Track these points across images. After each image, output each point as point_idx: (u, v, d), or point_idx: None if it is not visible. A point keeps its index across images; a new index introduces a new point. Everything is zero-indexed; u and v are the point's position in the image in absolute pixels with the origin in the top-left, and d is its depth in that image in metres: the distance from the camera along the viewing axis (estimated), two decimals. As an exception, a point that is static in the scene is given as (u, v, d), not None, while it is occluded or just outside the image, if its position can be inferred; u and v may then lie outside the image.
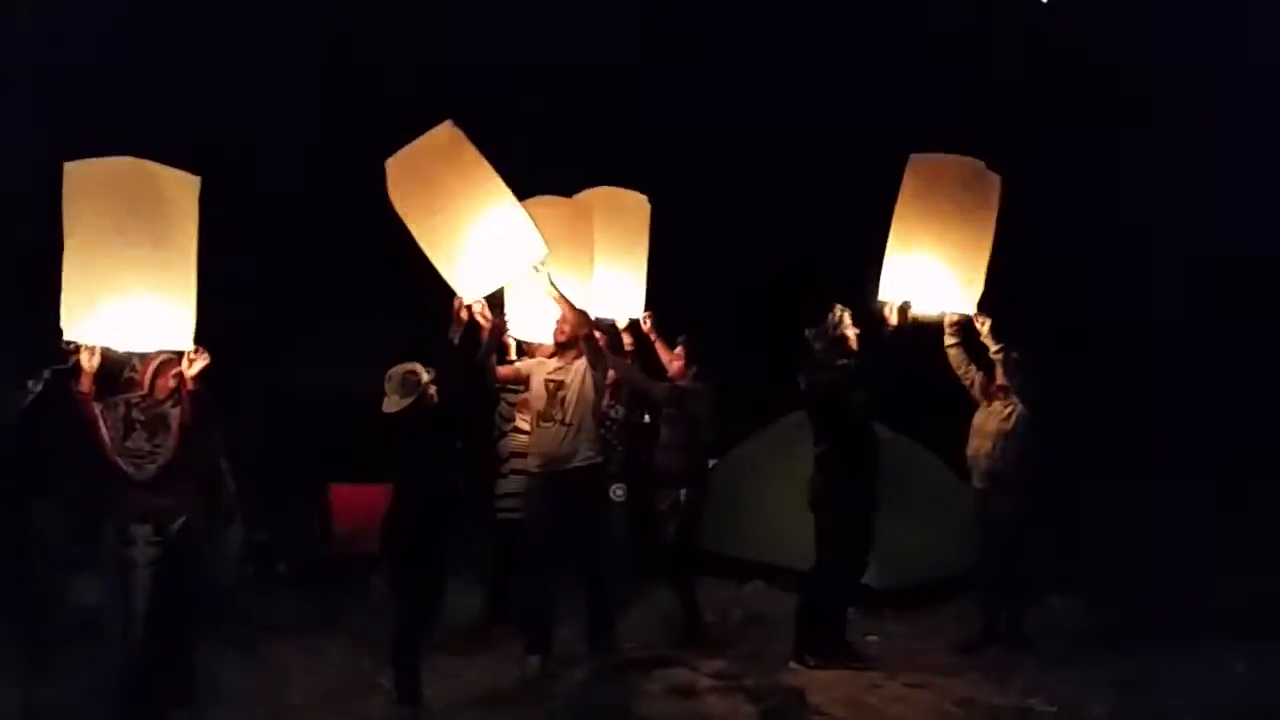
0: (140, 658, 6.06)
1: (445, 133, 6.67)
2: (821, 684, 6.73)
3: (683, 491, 7.79)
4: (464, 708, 6.49)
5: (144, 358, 6.13)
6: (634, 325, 8.08)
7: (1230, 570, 8.90)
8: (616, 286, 7.82)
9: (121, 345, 5.98)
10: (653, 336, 8.15)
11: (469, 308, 6.70)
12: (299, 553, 9.06)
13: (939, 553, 8.65)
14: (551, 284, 6.87)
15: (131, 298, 5.84)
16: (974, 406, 7.69)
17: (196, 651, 6.42)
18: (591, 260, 7.48)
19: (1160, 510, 10.34)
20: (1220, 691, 6.73)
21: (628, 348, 8.01)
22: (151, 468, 6.09)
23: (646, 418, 8.49)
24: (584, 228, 7.42)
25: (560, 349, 7.14)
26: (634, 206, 8.07)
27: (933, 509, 8.67)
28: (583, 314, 7.05)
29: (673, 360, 7.94)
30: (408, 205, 6.63)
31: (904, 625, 8.23)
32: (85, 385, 5.98)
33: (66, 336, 5.87)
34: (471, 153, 6.68)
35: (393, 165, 6.69)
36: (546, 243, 6.74)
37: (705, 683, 6.51)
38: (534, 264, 6.79)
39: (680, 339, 7.99)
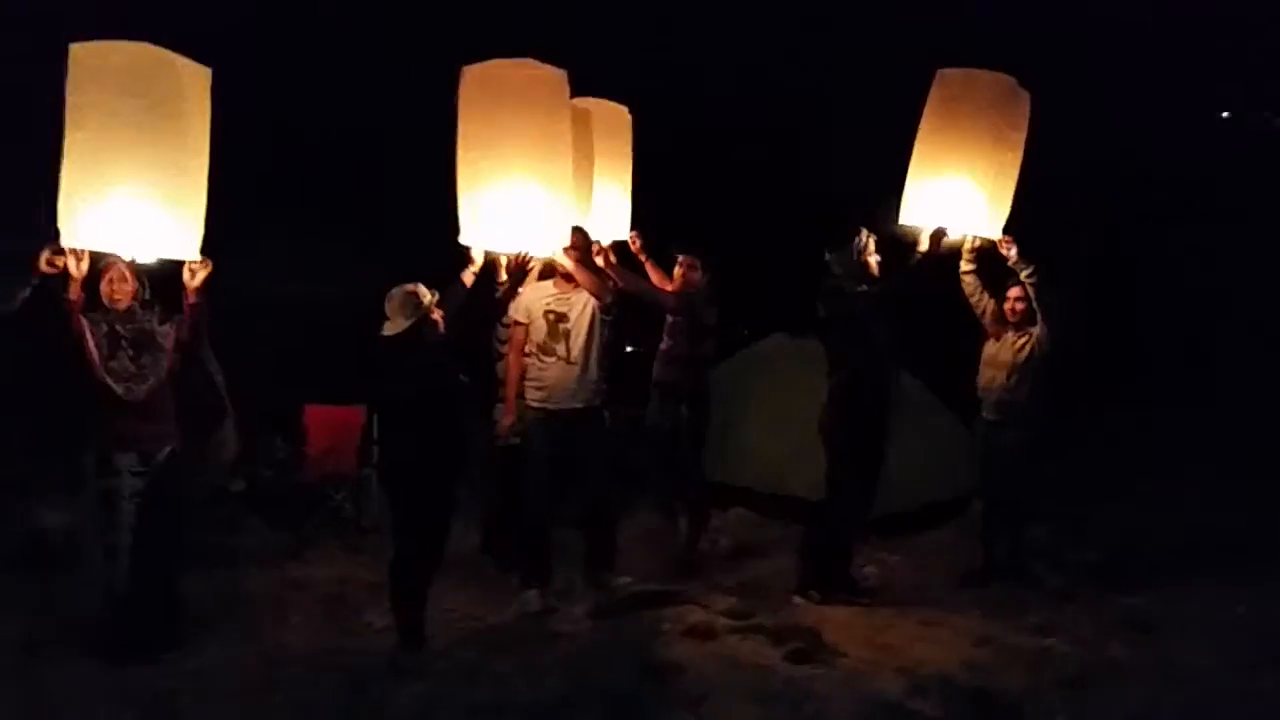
0: (125, 596, 5.64)
1: (553, 77, 6.08)
2: (834, 621, 6.51)
3: (683, 408, 7.54)
4: (465, 648, 6.11)
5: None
6: (620, 246, 7.64)
7: (1226, 505, 8.85)
8: (605, 206, 7.33)
9: (125, 252, 5.44)
10: (642, 257, 7.79)
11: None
12: (262, 475, 8.58)
13: (920, 478, 8.47)
14: (568, 259, 6.56)
15: (142, 200, 5.25)
16: (980, 335, 7.45)
17: (181, 588, 6.01)
18: (591, 176, 7.04)
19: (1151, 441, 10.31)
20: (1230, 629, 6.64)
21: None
22: (141, 389, 5.59)
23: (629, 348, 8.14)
24: (586, 140, 6.94)
25: (559, 276, 6.79)
26: (619, 118, 7.53)
27: (913, 433, 8.43)
28: (601, 279, 6.76)
29: (680, 272, 7.61)
30: (469, 121, 6.01)
31: (896, 555, 8.04)
32: (74, 293, 5.44)
33: (64, 241, 5.29)
34: (567, 114, 6.15)
35: (474, 74, 6.03)
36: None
37: (721, 623, 6.24)
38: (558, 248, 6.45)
39: (679, 256, 7.65)
